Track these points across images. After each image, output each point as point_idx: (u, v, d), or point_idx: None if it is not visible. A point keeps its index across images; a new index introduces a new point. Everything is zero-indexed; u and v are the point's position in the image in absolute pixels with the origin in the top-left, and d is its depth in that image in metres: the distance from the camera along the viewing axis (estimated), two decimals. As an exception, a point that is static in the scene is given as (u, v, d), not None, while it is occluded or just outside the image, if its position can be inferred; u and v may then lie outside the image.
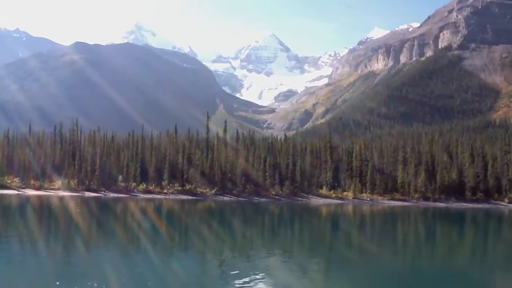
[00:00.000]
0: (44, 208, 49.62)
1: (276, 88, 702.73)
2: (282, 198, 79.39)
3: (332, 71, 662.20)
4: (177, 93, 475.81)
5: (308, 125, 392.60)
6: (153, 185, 78.83)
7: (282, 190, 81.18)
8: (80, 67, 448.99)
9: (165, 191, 77.85)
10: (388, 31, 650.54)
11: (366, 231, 38.07)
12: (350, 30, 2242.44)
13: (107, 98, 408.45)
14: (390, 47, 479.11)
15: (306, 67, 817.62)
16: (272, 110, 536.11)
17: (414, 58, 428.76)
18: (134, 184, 78.60)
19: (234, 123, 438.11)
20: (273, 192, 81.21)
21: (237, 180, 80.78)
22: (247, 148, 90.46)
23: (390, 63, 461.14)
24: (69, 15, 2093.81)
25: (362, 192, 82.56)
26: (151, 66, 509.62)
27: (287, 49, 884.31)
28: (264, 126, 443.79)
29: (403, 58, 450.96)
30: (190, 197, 75.42)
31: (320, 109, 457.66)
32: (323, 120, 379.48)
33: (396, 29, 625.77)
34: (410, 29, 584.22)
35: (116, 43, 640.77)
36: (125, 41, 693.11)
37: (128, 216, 42.15)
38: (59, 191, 74.60)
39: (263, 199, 77.91)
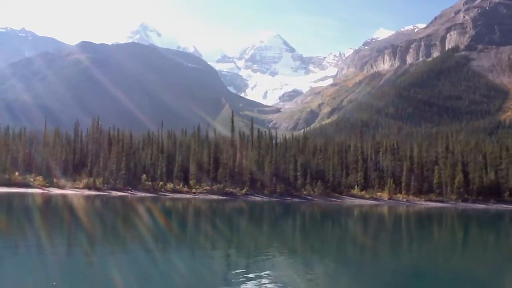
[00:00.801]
0: (84, 208, 48.88)
1: (281, 88, 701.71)
2: (315, 199, 78.10)
3: (337, 72, 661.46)
4: (183, 92, 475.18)
5: (314, 125, 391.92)
6: (180, 184, 77.80)
7: (314, 190, 79.86)
8: (86, 66, 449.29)
9: (193, 190, 76.70)
10: (393, 32, 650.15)
11: (402, 233, 37.30)
12: (355, 30, 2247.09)
13: (113, 97, 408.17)
14: (396, 48, 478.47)
15: (311, 67, 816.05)
16: (277, 110, 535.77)
17: (420, 59, 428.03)
18: (161, 183, 77.39)
19: (240, 122, 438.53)
20: (305, 192, 79.97)
21: (266, 179, 79.38)
22: (270, 147, 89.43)
23: (397, 64, 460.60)
24: (73, 15, 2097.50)
25: (396, 193, 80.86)
26: (156, 66, 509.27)
27: (291, 50, 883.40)
28: (269, 126, 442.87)
29: (409, 59, 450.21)
30: (220, 197, 74.22)
31: (326, 109, 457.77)
32: (329, 120, 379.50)
33: (402, 30, 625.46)
34: (416, 30, 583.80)
35: (121, 42, 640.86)
36: (130, 41, 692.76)
37: (164, 216, 41.29)
38: (85, 190, 73.32)
39: (296, 200, 76.56)
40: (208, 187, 77.09)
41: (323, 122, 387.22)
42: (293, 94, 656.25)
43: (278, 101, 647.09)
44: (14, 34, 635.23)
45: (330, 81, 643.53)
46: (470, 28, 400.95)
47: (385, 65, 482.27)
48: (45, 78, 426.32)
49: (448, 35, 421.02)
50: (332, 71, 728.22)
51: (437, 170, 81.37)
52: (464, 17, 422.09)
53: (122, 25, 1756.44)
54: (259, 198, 75.57)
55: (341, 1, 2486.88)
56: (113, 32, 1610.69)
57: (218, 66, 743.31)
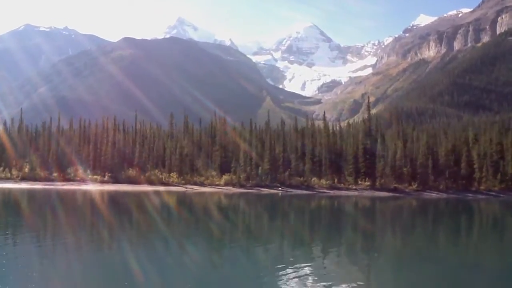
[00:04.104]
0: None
1: (319, 79, 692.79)
2: (501, 195, 69.81)
3: (377, 60, 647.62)
4: (225, 86, 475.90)
5: (359, 115, 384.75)
6: (335, 180, 72.49)
7: (495, 185, 72.14)
8: (130, 61, 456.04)
9: (353, 186, 71.19)
10: (435, 18, 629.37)
11: None
12: (393, 18, 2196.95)
13: (158, 91, 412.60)
14: (442, 34, 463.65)
15: (348, 57, 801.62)
16: (318, 101, 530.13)
17: (469, 44, 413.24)
18: (314, 179, 72.11)
19: (282, 115, 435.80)
20: (482, 187, 72.81)
21: (428, 173, 72.13)
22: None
23: (443, 50, 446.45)
24: (112, 12, 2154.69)
25: None
26: (197, 60, 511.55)
27: (328, 39, 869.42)
28: (313, 117, 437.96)
29: (457, 45, 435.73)
30: (388, 194, 67.81)
31: (370, 99, 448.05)
32: (374, 110, 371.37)
33: (445, 15, 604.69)
34: (460, 15, 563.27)
35: (160, 38, 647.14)
36: (168, 36, 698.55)
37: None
38: (229, 187, 69.31)
39: (481, 196, 69.07)
40: (368, 183, 71.41)
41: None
42: (332, 85, 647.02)
43: (317, 92, 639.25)
44: (58, 32, 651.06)
45: (369, 70, 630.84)
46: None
47: (431, 52, 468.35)
48: (91, 75, 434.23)
49: (499, 18, 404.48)
50: (371, 60, 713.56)
51: None
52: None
53: (159, 21, 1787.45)
54: (435, 195, 68.56)
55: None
56: (150, 27, 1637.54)
57: (254, 58, 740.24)
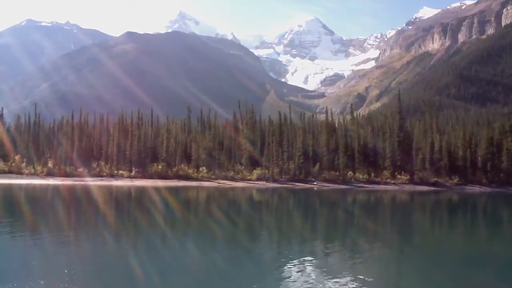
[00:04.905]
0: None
1: (322, 73, 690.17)
2: None
3: (380, 54, 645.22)
4: (227, 80, 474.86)
5: (363, 109, 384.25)
6: (371, 174, 70.97)
7: None
8: (133, 56, 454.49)
9: (391, 181, 69.74)
10: (439, 10, 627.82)
11: None
12: (395, 11, 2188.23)
13: (162, 85, 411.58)
14: (446, 26, 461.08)
15: (351, 50, 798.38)
16: (322, 95, 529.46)
17: (474, 36, 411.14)
18: (350, 173, 70.59)
19: (286, 109, 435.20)
20: None
21: (468, 166, 70.77)
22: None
23: (447, 43, 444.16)
24: (113, 6, 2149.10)
25: None
26: (200, 54, 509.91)
27: (331, 33, 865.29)
28: (317, 111, 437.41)
29: (461, 37, 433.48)
30: (429, 188, 66.37)
31: (374, 92, 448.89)
32: (378, 104, 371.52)
33: (448, 7, 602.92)
34: (463, 7, 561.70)
35: (162, 32, 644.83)
36: (169, 30, 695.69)
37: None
38: (263, 182, 67.40)
39: None
40: (406, 177, 70.03)
41: (372, 106, 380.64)
42: (335, 78, 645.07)
43: (320, 85, 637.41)
44: (59, 27, 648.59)
45: (372, 63, 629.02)
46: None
47: (435, 44, 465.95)
48: (93, 70, 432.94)
49: (504, 10, 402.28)
50: (373, 53, 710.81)
51: None
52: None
53: (160, 15, 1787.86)
54: (478, 189, 67.32)
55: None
56: (151, 21, 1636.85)
57: (257, 52, 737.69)
